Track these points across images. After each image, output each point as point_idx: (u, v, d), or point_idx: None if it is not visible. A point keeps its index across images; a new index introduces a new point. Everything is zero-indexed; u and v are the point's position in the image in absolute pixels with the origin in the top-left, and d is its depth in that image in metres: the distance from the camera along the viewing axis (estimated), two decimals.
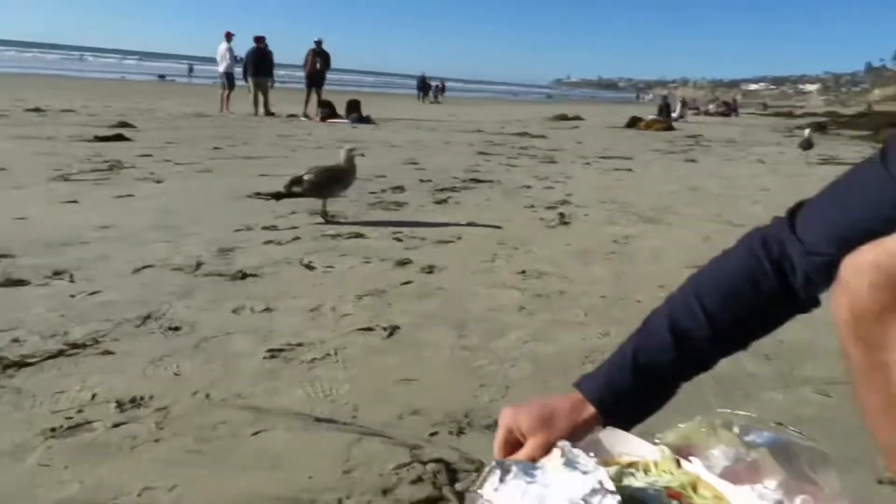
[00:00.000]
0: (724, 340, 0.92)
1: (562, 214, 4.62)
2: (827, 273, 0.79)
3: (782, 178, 7.35)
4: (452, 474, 1.44)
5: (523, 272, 3.20)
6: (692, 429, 0.84)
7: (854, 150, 11.94)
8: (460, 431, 1.66)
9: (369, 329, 2.36)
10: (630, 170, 7.60)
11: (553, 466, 0.74)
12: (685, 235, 4.09)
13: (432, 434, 1.64)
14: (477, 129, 13.56)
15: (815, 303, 0.90)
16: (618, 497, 0.65)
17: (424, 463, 1.48)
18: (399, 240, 3.74)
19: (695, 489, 0.75)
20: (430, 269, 3.17)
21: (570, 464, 0.73)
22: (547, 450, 0.81)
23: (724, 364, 0.94)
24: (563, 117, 19.57)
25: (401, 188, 5.47)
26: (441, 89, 34.29)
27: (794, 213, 0.88)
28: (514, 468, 0.73)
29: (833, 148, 12.08)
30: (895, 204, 0.75)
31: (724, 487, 0.75)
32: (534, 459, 0.81)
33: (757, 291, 0.88)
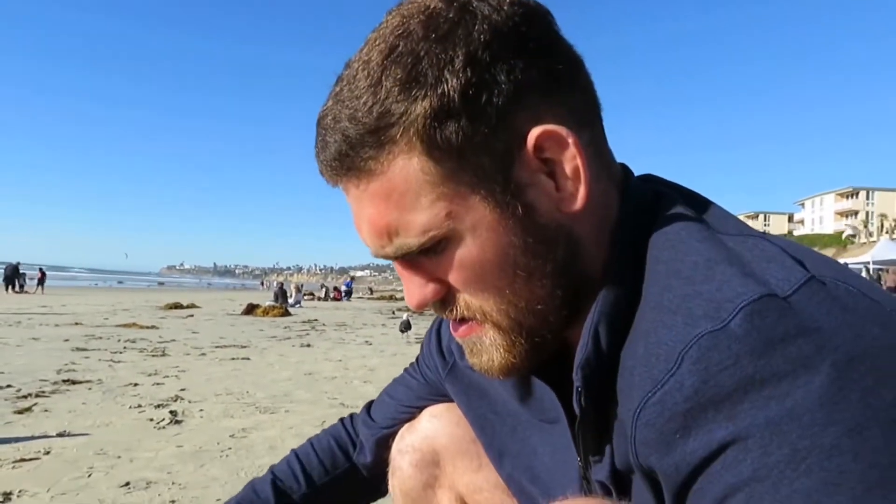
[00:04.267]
0: (317, 496, 1.02)
1: (173, 412, 4.33)
2: (385, 444, 0.99)
3: (387, 358, 8.10)
4: None
5: (127, 484, 2.86)
6: None
7: None
8: None
9: None
10: (247, 358, 7.57)
11: None
12: (301, 422, 4.17)
13: None
14: (76, 321, 12.19)
15: (382, 489, 1.05)
16: None
17: None
18: None
19: None
20: (2, 499, 2.63)
21: None
22: None
23: None
24: (177, 305, 18.88)
25: None
26: (41, 278, 30.31)
27: (372, 401, 1.08)
28: None
29: (426, 327, 13.85)
30: (423, 396, 0.98)
31: None
32: None
33: (346, 455, 1.04)
